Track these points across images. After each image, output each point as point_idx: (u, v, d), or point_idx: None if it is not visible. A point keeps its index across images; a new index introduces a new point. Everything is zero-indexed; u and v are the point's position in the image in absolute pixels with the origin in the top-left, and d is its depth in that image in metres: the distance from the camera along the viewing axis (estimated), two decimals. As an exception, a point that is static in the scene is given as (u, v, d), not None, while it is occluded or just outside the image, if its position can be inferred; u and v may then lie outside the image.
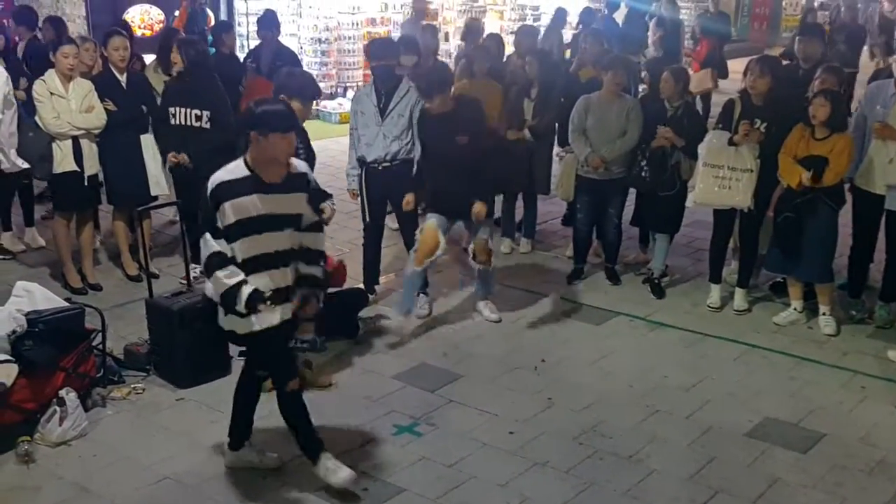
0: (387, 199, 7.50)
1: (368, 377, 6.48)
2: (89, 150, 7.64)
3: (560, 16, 14.14)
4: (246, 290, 4.70)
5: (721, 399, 6.29)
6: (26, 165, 7.51)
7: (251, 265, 4.75)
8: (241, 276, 4.70)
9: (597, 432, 5.86)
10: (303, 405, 5.11)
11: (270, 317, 4.82)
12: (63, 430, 5.66)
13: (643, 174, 7.76)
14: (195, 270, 7.71)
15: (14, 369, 5.59)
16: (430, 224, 7.01)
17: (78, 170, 7.58)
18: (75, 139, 7.54)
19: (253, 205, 4.70)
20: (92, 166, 7.69)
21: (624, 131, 7.75)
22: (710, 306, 7.70)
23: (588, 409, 6.14)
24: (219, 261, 4.71)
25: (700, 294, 7.91)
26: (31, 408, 5.69)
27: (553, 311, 7.54)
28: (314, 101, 5.50)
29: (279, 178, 4.79)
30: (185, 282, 7.13)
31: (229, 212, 4.67)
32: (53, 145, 7.51)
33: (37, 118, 7.48)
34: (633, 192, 8.26)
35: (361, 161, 7.34)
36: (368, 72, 14.37)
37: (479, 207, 6.87)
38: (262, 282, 4.76)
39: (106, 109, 7.62)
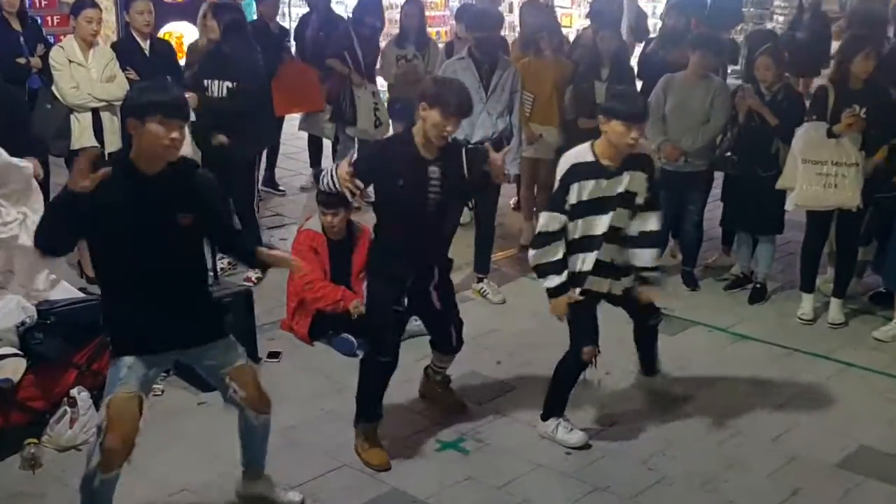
0: None
1: (411, 386, 6.42)
2: (110, 123, 7.70)
3: None
4: (556, 281, 5.62)
5: (810, 423, 6.26)
6: None
7: (587, 243, 5.60)
8: (563, 279, 5.62)
9: (667, 455, 5.85)
10: (655, 334, 6.34)
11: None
12: (73, 433, 5.73)
13: (732, 156, 7.76)
14: (222, 261, 7.79)
15: (22, 364, 5.65)
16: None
17: (98, 145, 7.63)
18: (95, 112, 7.63)
19: (593, 187, 5.51)
20: (113, 142, 7.70)
21: (707, 118, 7.73)
22: (801, 318, 7.66)
23: (657, 429, 6.14)
24: (547, 240, 5.57)
25: (790, 304, 7.86)
26: (40, 407, 5.75)
27: (620, 319, 7.44)
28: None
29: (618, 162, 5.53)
30: (211, 273, 6.99)
31: (574, 192, 5.50)
32: (71, 118, 7.59)
33: (54, 88, 7.55)
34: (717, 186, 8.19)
35: (464, 143, 7.26)
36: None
37: None
38: (591, 257, 5.62)
39: (128, 79, 7.67)
